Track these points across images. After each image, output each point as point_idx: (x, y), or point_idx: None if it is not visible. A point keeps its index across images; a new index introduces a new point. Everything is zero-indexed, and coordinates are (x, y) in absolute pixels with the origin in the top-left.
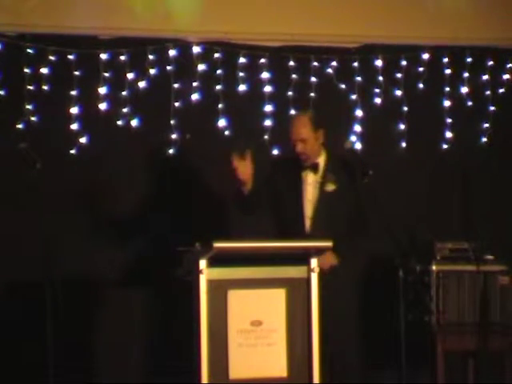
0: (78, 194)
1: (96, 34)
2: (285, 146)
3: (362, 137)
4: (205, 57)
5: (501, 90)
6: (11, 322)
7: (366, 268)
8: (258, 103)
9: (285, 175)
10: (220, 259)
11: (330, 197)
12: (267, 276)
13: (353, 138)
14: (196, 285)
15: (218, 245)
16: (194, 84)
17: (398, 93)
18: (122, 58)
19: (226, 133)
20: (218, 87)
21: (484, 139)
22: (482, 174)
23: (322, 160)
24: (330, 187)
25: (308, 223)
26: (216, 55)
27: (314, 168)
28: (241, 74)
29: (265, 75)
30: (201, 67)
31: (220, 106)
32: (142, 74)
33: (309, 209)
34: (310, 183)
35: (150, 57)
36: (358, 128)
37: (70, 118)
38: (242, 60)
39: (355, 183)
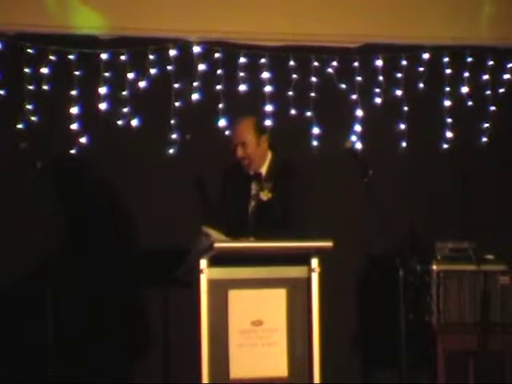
0: (77, 193)
1: (96, 34)
2: (284, 146)
3: (362, 137)
4: (205, 57)
5: (501, 90)
6: (11, 322)
7: (366, 268)
8: (258, 103)
9: (233, 185)
10: (221, 259)
11: (265, 206)
12: (268, 276)
13: (353, 138)
14: (196, 285)
15: (218, 245)
16: (194, 84)
17: (398, 93)
18: (122, 57)
19: (226, 133)
20: (218, 87)
21: (484, 139)
22: (482, 174)
23: (264, 169)
24: (266, 196)
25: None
26: (216, 55)
27: (257, 178)
28: (241, 74)
29: (265, 75)
30: (201, 67)
31: (220, 105)
32: (142, 73)
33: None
34: (252, 195)
35: (151, 57)
36: (358, 128)
37: (70, 118)
38: (242, 60)
39: (290, 187)
